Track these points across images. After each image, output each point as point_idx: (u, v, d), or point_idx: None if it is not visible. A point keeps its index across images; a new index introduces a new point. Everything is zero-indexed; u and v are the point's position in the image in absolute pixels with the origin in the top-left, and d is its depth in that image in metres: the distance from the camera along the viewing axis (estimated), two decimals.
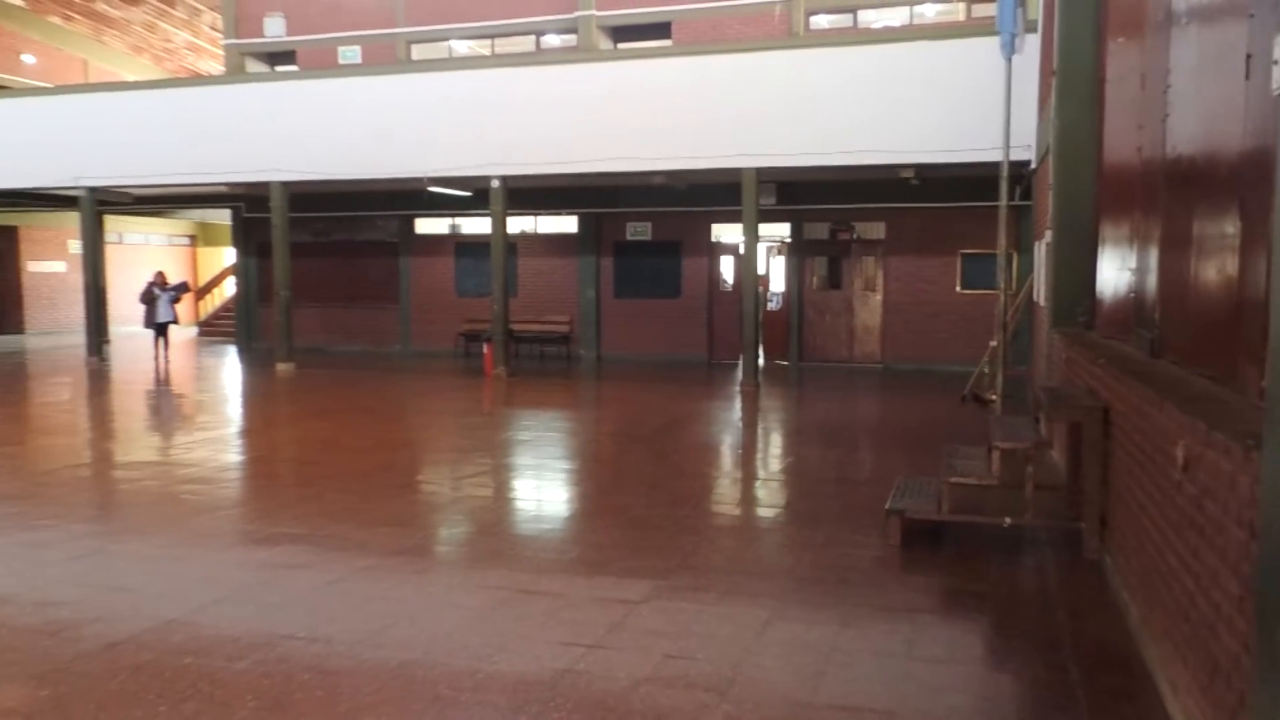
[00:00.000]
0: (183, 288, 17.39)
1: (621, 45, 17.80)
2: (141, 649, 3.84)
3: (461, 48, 19.03)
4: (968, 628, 4.33)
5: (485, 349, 15.12)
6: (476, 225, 17.92)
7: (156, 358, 16.35)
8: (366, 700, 3.40)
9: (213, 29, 23.51)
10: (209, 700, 3.38)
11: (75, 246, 23.40)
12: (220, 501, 6.78)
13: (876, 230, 16.21)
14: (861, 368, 16.02)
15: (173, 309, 16.77)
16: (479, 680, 3.57)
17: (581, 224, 17.60)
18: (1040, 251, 9.32)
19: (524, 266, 17.97)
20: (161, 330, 16.58)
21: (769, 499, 6.91)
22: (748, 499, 6.97)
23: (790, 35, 16.20)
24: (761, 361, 15.84)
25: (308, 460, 8.25)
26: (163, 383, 14.09)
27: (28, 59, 24.18)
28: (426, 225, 18.73)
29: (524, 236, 18.04)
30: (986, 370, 11.45)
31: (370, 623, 4.17)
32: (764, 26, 16.62)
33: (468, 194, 16.38)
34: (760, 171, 13.15)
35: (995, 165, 9.48)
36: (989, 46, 10.00)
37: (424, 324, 18.61)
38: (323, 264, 19.08)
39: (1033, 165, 11.01)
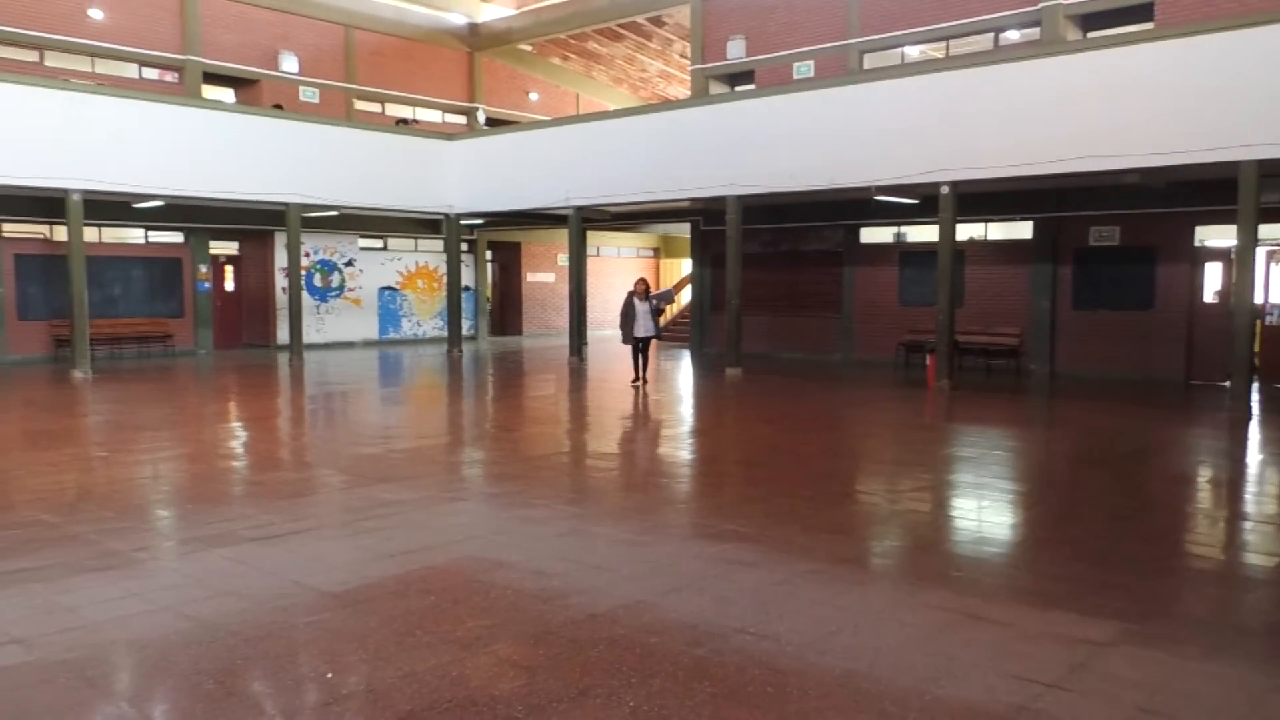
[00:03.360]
0: (666, 297, 14.95)
1: (1092, 34, 16.37)
2: (616, 624, 4.29)
3: (914, 53, 18.74)
4: None
5: (928, 360, 14.75)
6: (923, 233, 17.55)
7: (635, 381, 14.30)
8: (814, 704, 3.50)
9: (681, 56, 25.56)
10: (672, 679, 3.70)
11: (562, 259, 26.80)
12: (677, 495, 7.37)
13: None
14: None
15: (654, 322, 14.45)
16: (926, 702, 3.50)
17: (1037, 229, 16.47)
18: None
19: (971, 275, 17.25)
20: (641, 346, 14.34)
21: (1270, 546, 5.95)
22: (1240, 543, 6.06)
23: None
24: (1256, 385, 13.70)
25: (755, 462, 8.65)
26: (631, 385, 14.33)
27: (533, 96, 28.11)
28: (871, 234, 18.72)
29: (972, 244, 17.31)
30: None
31: (816, 627, 4.27)
32: None
33: (914, 201, 16.10)
34: (1262, 164, 11.35)
35: None
36: None
37: (865, 333, 18.62)
38: (770, 273, 19.86)
39: None
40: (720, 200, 16.60)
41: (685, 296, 26.76)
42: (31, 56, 19.35)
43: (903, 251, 18.30)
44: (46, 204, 17.30)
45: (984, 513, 6.82)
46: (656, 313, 14.55)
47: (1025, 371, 16.46)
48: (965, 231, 16.91)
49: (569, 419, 12.00)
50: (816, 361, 18.78)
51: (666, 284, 29.68)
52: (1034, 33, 16.89)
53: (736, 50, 20.24)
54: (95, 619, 4.38)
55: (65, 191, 15.47)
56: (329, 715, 3.40)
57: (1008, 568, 5.41)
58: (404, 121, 24.06)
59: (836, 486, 7.63)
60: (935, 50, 18.56)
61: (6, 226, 18.16)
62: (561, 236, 23.78)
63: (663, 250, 30.94)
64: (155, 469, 8.36)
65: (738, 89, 20.50)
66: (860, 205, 16.81)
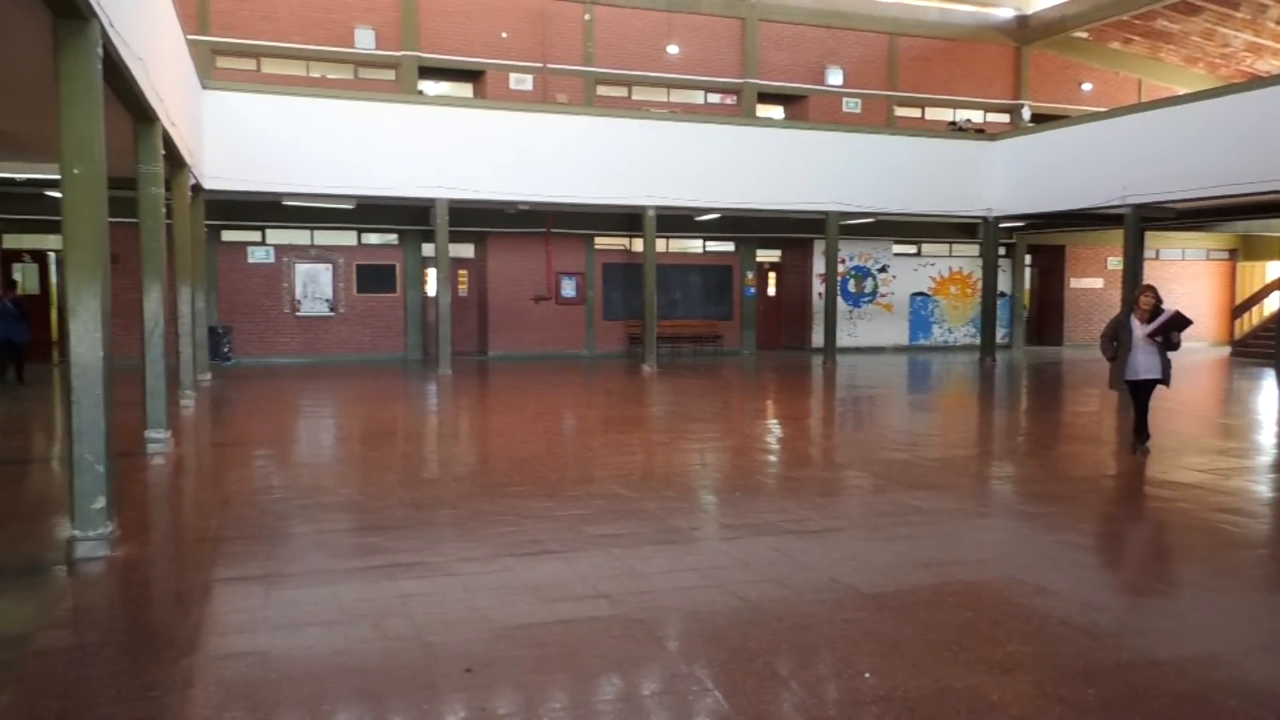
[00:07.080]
0: (1174, 324, 8.96)
1: None
2: (1183, 676, 3.80)
3: None
4: None
5: None
6: None
7: (1137, 445, 9.20)
8: None
9: (1278, 23, 21.80)
10: None
11: (1113, 263, 24.43)
12: (1257, 538, 6.30)
13: None
14: None
15: (1159, 357, 9.03)
16: None
17: None
18: None
19: None
20: (1140, 390, 9.13)
21: None
22: None
23: None
24: None
25: None
26: (1133, 452, 9.18)
27: (1086, 87, 25.97)
28: None
29: None
30: None
31: None
32: None
33: None
34: None
35: None
36: None
37: None
38: None
39: None
40: None
41: (1270, 305, 22.80)
42: (621, 91, 22.51)
43: None
44: (627, 219, 20.05)
45: None
46: (1167, 346, 9.07)
47: None
48: None
49: (1114, 439, 10.88)
50: None
51: (1246, 291, 25.49)
52: None
53: None
54: (661, 586, 4.98)
55: (643, 208, 17.80)
56: (864, 714, 3.48)
57: None
58: (955, 125, 23.62)
59: None
60: None
61: (598, 240, 21.38)
62: (1112, 238, 21.68)
63: (1241, 252, 26.63)
64: (705, 457, 9.27)
65: None
66: None
